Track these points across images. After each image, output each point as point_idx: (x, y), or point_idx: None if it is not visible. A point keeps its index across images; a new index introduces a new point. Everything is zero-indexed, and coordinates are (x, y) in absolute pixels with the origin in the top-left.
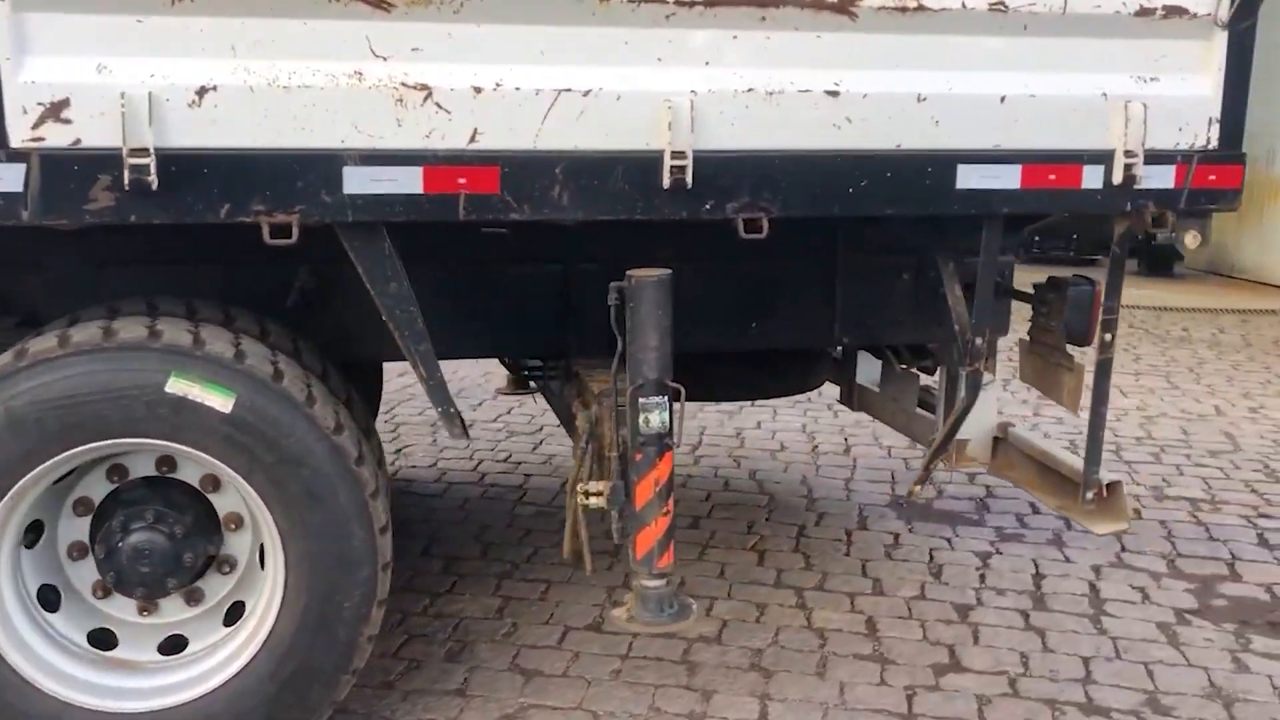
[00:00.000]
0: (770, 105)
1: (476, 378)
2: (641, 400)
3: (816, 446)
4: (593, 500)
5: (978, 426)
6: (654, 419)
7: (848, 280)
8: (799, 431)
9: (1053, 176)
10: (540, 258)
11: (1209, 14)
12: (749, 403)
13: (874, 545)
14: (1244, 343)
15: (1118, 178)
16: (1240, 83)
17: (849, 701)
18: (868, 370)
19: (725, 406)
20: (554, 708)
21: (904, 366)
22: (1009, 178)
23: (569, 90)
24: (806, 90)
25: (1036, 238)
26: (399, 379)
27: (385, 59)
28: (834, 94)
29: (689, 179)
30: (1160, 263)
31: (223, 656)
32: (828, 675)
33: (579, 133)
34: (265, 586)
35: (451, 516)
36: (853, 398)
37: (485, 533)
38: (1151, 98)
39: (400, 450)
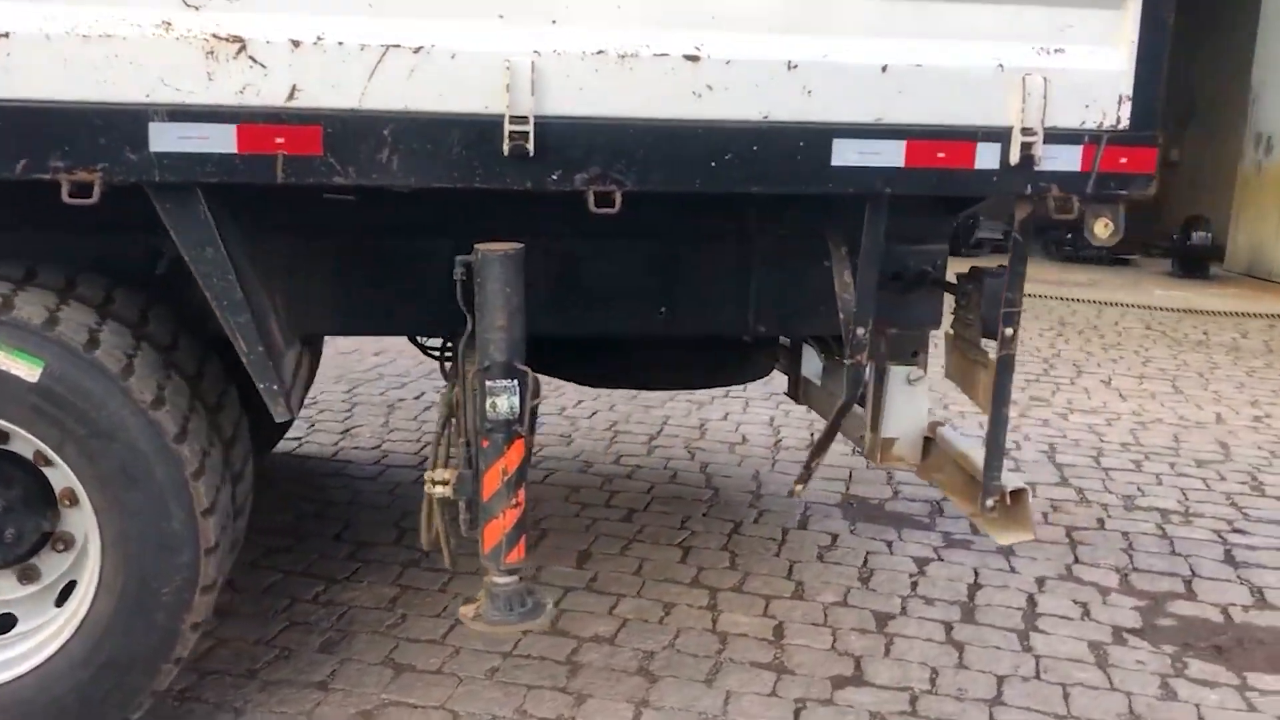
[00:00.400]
0: (623, 69)
1: None
2: (488, 384)
3: (779, 440)
4: (438, 489)
5: (906, 425)
6: (501, 404)
7: (764, 265)
8: (765, 424)
9: (942, 155)
10: (430, 230)
11: None
12: (723, 393)
13: (808, 546)
14: (1265, 349)
15: (1015, 158)
16: (1155, 57)
17: (731, 713)
18: (813, 363)
19: (696, 396)
20: (414, 706)
21: (837, 358)
22: (892, 155)
23: (398, 46)
24: (663, 54)
25: (1069, 234)
26: (372, 358)
27: (197, 8)
28: (694, 59)
29: (530, 146)
30: (1195, 264)
31: (42, 638)
32: (716, 683)
33: (409, 92)
34: (87, 567)
35: (378, 500)
36: (798, 390)
37: (406, 518)
38: (1055, 71)
39: (347, 430)
